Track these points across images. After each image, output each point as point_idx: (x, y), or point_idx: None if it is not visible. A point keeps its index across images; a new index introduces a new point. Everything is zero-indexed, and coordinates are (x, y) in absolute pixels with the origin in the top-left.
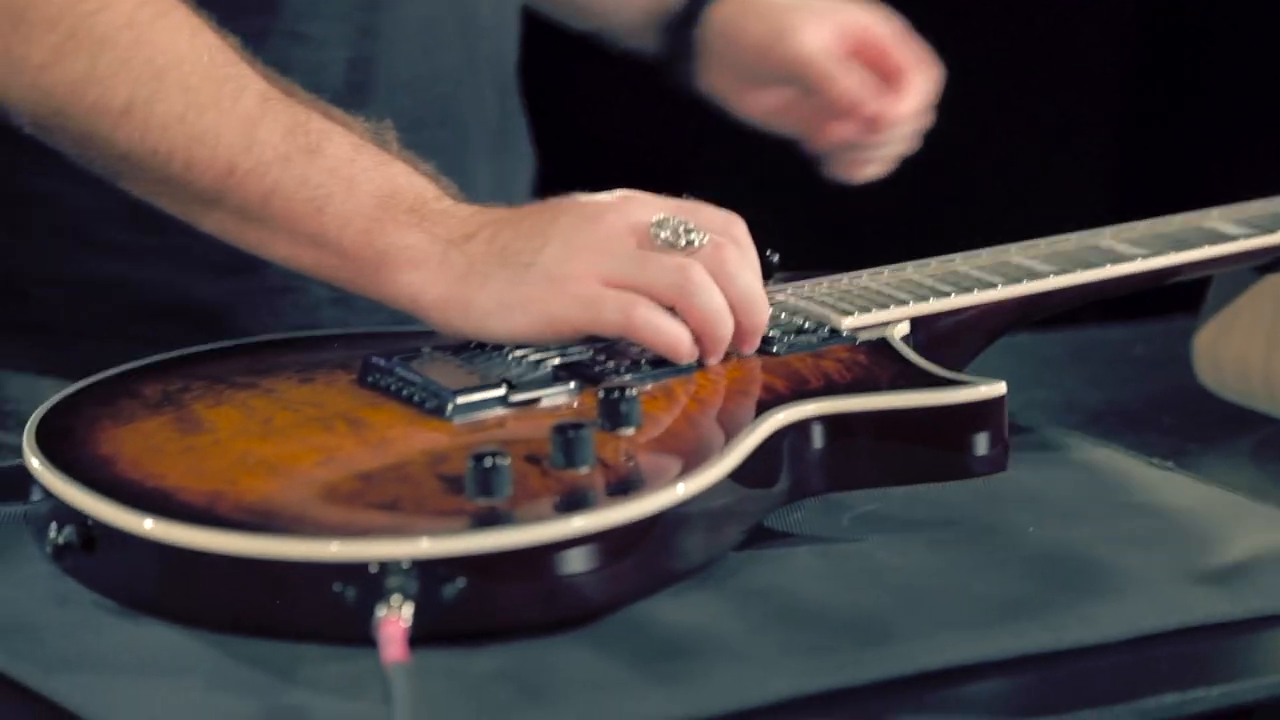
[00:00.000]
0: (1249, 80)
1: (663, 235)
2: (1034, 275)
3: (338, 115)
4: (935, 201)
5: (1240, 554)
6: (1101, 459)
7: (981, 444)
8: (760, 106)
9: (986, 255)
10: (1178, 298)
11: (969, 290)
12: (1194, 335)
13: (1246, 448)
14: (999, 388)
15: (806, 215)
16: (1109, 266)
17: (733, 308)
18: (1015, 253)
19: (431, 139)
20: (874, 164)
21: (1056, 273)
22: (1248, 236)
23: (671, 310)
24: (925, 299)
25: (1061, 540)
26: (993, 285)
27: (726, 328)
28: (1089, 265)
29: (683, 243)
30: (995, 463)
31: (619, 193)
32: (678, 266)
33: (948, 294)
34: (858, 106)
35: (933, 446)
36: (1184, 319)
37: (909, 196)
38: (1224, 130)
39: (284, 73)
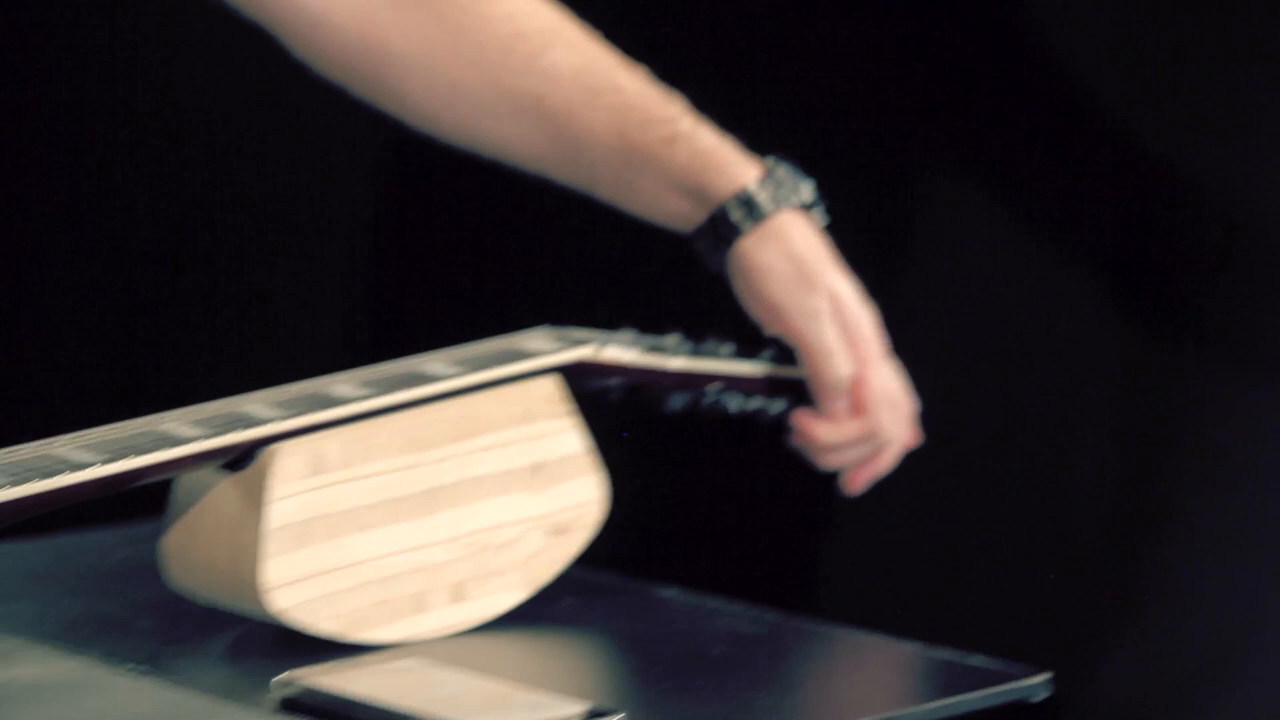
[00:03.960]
0: None
1: None
2: None
3: None
4: None
5: None
6: (69, 671)
7: None
8: None
9: None
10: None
11: None
12: (163, 538)
13: (220, 649)
14: None
15: None
16: (62, 476)
17: None
18: None
19: None
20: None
21: (4, 485)
22: (201, 439)
23: None
24: None
25: None
26: None
27: None
28: (44, 475)
29: None
30: None
31: None
32: None
33: None
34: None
35: None
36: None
37: None
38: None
39: None
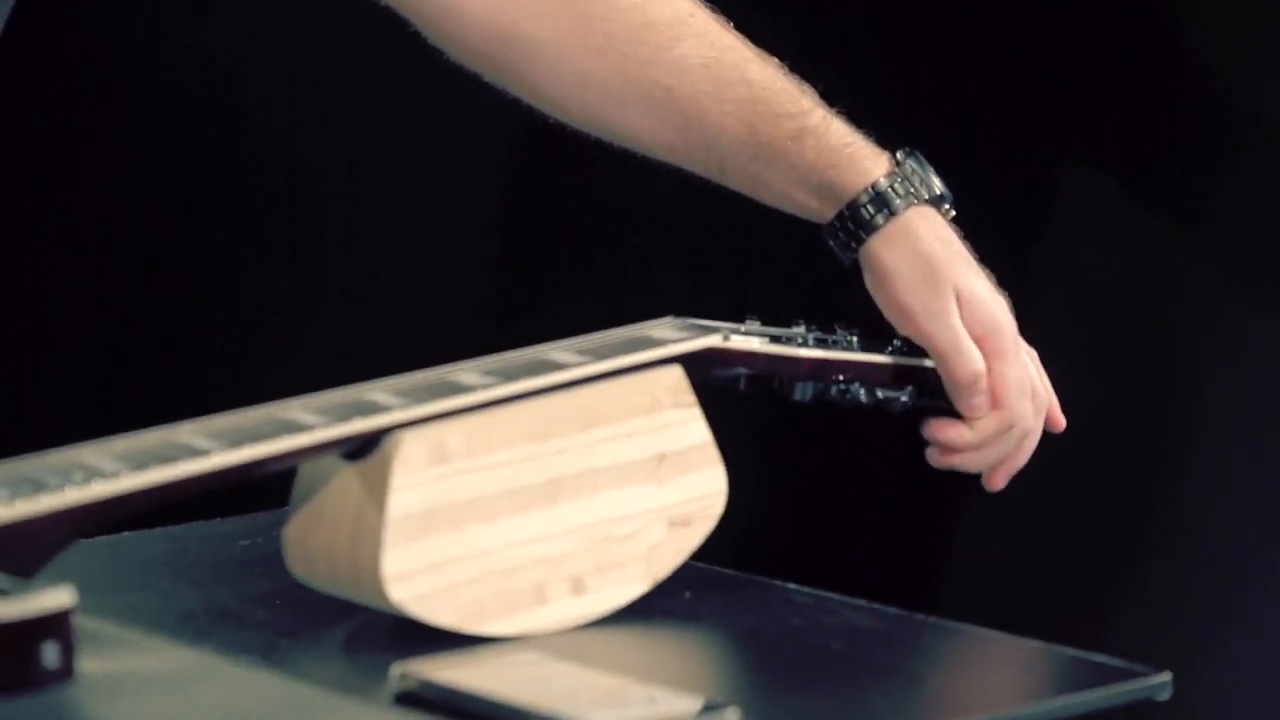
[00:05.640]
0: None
1: None
2: (106, 476)
3: None
4: None
5: None
6: (186, 662)
7: (48, 655)
8: None
9: (56, 456)
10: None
11: (34, 496)
12: (285, 527)
13: (338, 640)
14: (60, 598)
15: None
16: (184, 463)
17: None
18: (89, 453)
19: None
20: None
21: (130, 472)
22: (324, 427)
23: None
24: None
25: None
26: (58, 490)
27: None
28: (165, 462)
29: None
30: (64, 673)
31: None
32: None
33: (8, 502)
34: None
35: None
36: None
37: None
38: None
39: None
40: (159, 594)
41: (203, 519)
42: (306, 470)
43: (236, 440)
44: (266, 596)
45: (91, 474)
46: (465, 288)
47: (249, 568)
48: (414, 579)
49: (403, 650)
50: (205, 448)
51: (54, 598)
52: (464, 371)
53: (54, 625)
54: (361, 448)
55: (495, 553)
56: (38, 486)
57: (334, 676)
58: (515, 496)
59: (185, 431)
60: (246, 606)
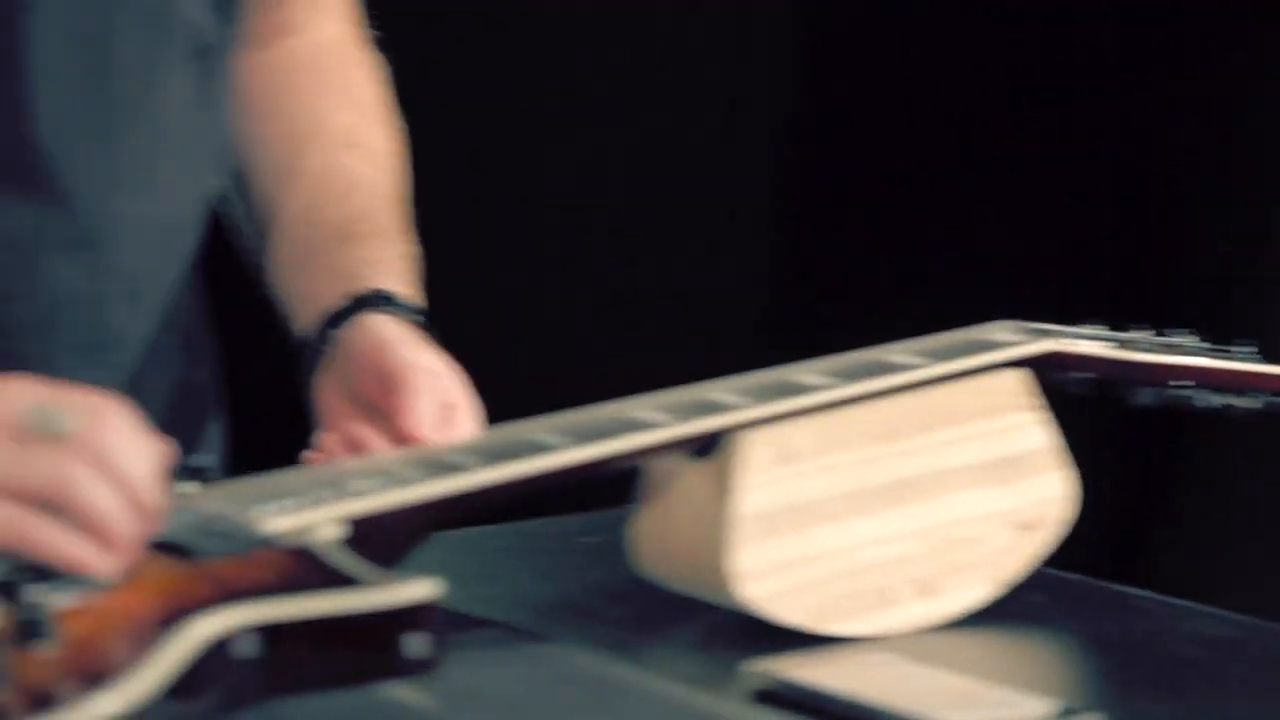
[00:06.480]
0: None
1: (34, 422)
2: (460, 470)
3: None
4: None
5: None
6: (549, 653)
7: (413, 644)
8: (343, 430)
9: (411, 451)
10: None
11: (396, 488)
12: (631, 524)
13: (690, 637)
14: (426, 587)
15: None
16: (534, 459)
17: (122, 495)
18: (443, 449)
19: None
20: None
21: (483, 466)
22: (670, 425)
23: None
24: (350, 499)
25: None
26: (419, 482)
27: (120, 522)
28: (515, 458)
29: (55, 430)
30: (428, 663)
31: None
32: (53, 462)
33: (373, 493)
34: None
35: (362, 649)
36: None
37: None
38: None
39: None
40: (511, 587)
41: (543, 516)
42: (652, 468)
43: (586, 437)
44: (614, 592)
45: (449, 468)
46: (739, 300)
47: (594, 563)
48: (762, 578)
49: (752, 648)
50: (555, 443)
51: (420, 588)
52: (804, 372)
53: (420, 616)
54: (706, 446)
55: (841, 553)
56: (398, 480)
57: (688, 672)
58: (860, 498)
59: (534, 428)
60: (596, 601)
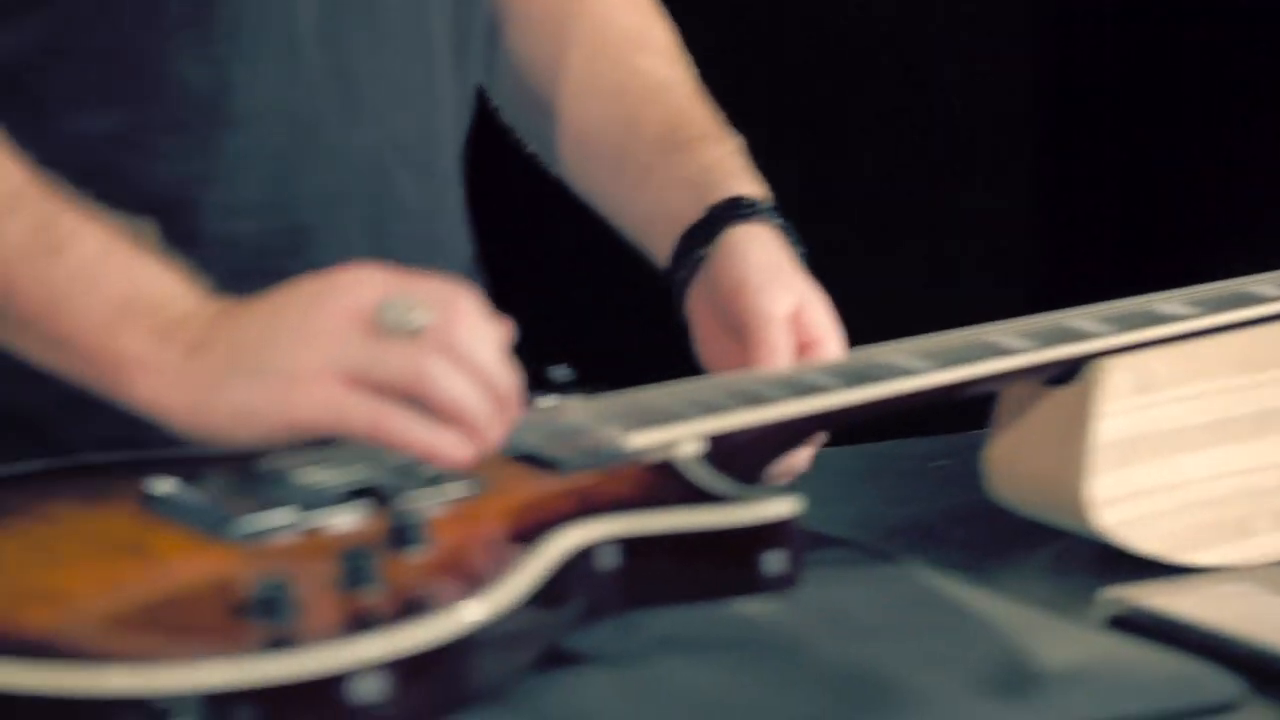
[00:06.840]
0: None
1: (389, 318)
2: (821, 390)
3: (96, 214)
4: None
5: (1039, 670)
6: (902, 574)
7: (772, 561)
8: (712, 353)
9: (759, 372)
10: (975, 411)
11: (756, 406)
12: (987, 449)
13: (1043, 561)
14: (787, 504)
15: None
16: (895, 381)
17: (478, 384)
18: (809, 368)
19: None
20: None
21: (843, 388)
22: (1031, 350)
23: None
24: (710, 416)
25: (862, 657)
26: (779, 401)
27: (478, 411)
28: (876, 380)
29: (410, 325)
30: (787, 580)
31: (340, 273)
32: (409, 356)
33: (733, 411)
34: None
35: (722, 564)
36: (982, 433)
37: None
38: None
39: None
40: (863, 509)
41: (893, 439)
42: (1009, 394)
43: (946, 360)
44: (965, 516)
45: (810, 388)
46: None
47: (945, 487)
48: (1118, 505)
49: (1106, 575)
50: (916, 367)
51: (782, 505)
52: (1166, 301)
53: (780, 533)
54: (1064, 374)
55: (1199, 483)
56: (757, 399)
57: (1040, 597)
58: (1220, 428)
59: (893, 351)
60: (946, 524)
